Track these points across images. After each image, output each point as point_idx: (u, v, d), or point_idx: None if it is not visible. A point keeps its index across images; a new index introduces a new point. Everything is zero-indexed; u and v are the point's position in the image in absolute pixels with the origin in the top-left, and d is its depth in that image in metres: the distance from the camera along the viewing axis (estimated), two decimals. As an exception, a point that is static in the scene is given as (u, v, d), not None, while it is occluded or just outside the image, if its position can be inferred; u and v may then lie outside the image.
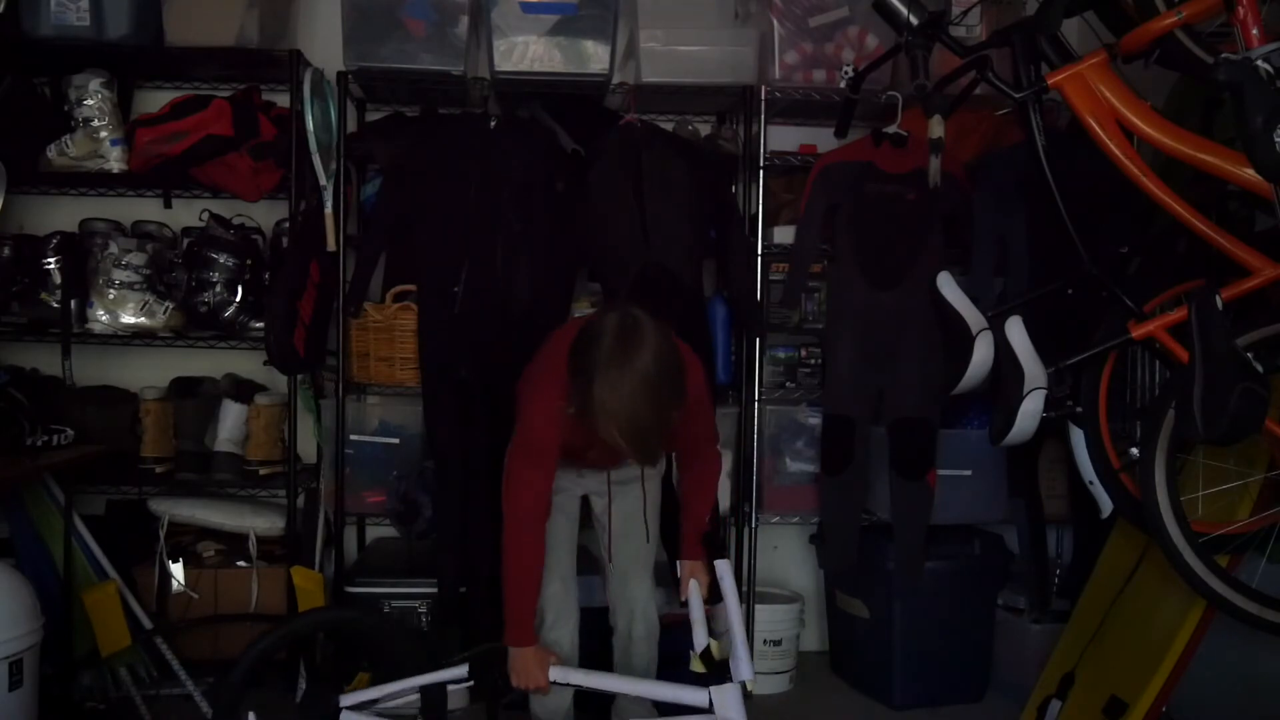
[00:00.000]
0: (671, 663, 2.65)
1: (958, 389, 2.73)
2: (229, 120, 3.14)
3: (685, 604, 2.48)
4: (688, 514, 2.60)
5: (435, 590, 3.11)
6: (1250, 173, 2.16)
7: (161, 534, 3.14)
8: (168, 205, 3.42)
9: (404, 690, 2.38)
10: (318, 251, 3.16)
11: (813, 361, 3.44)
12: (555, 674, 2.36)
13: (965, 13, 3.04)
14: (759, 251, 3.31)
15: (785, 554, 3.73)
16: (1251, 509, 2.47)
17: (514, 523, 2.38)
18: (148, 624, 3.02)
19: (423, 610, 3.14)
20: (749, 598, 3.32)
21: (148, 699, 2.97)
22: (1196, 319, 2.24)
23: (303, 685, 3.15)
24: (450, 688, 2.38)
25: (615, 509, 2.66)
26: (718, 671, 2.23)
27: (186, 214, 3.42)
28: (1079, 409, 2.60)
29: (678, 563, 2.59)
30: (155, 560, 3.12)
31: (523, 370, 2.53)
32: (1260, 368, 2.21)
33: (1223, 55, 2.11)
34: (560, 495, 2.57)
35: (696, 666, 2.28)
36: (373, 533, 3.61)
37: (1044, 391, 2.53)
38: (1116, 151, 2.38)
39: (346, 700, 2.38)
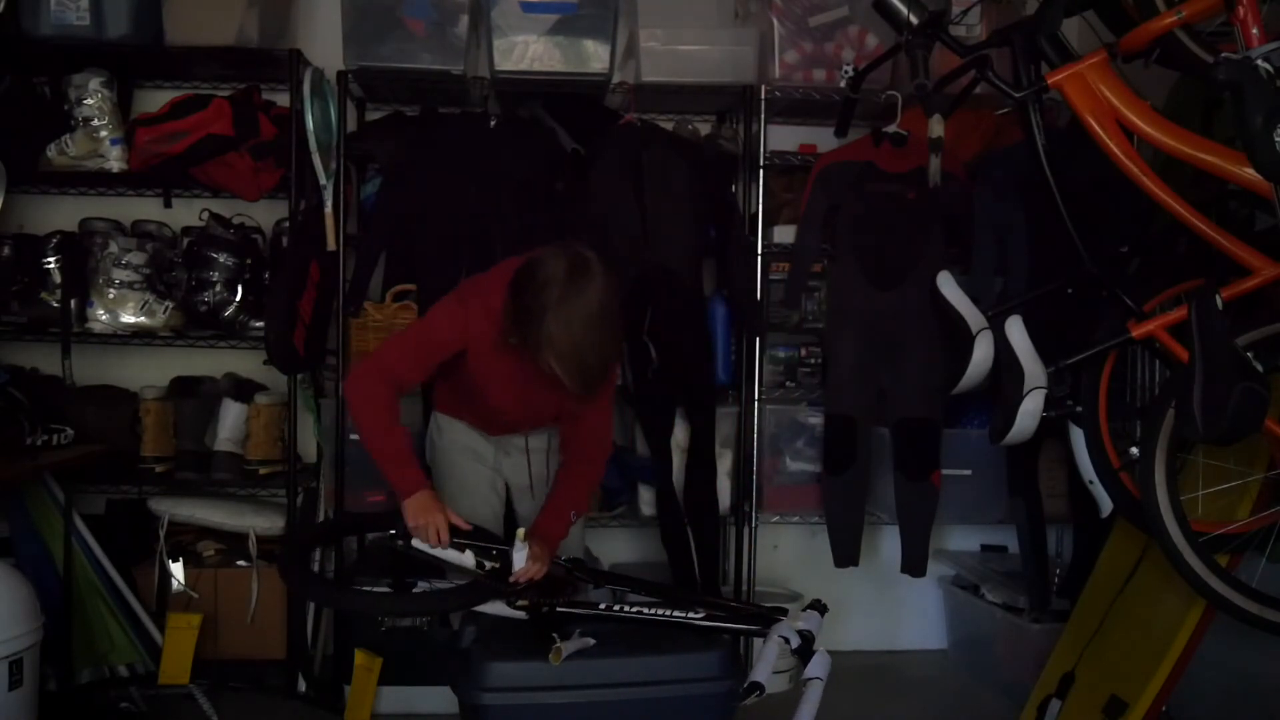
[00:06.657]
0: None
1: (958, 388, 2.73)
2: (229, 120, 3.14)
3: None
4: (557, 498, 2.47)
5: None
6: (1250, 172, 2.16)
7: (161, 533, 3.13)
8: (168, 205, 3.43)
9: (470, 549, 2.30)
10: (318, 251, 3.16)
11: (813, 361, 3.45)
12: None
13: (965, 12, 3.04)
14: (759, 251, 3.32)
15: (785, 554, 3.72)
16: (1251, 508, 2.47)
17: (356, 403, 2.36)
18: (149, 624, 3.03)
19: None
20: (748, 597, 3.32)
21: (148, 698, 2.98)
22: (1196, 319, 2.24)
23: (303, 686, 3.15)
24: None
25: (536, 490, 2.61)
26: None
27: (186, 213, 3.43)
28: (1079, 408, 2.60)
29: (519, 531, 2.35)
30: (155, 560, 3.12)
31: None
32: (1260, 367, 2.21)
33: (1223, 55, 2.11)
34: (480, 476, 2.62)
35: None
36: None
37: (1044, 391, 2.52)
38: (1116, 151, 2.38)
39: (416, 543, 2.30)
